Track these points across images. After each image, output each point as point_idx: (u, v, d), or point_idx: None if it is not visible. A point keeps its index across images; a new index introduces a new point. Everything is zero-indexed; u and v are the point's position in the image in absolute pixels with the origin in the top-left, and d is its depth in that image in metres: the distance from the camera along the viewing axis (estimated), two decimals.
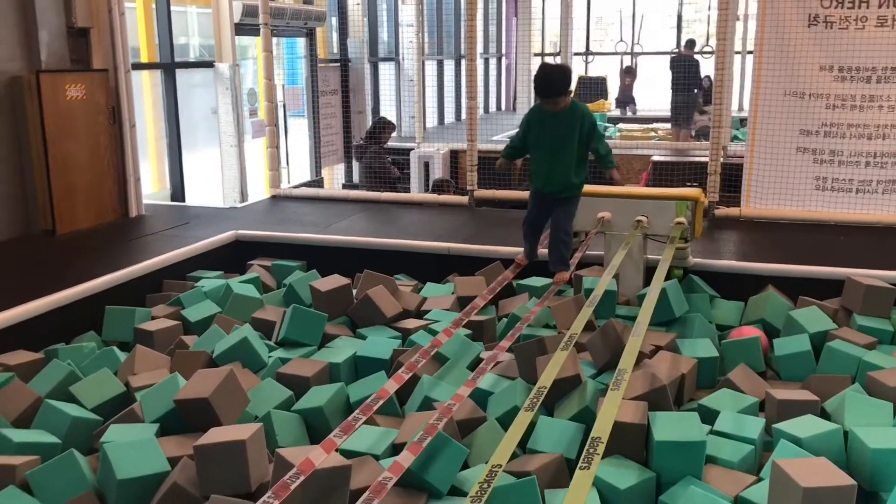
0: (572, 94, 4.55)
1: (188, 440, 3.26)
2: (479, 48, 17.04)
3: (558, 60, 12.20)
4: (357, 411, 3.11)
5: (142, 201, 7.08)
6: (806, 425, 3.37)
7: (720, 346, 4.41)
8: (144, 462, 3.09)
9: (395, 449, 3.34)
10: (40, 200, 6.25)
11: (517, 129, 4.81)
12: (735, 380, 3.99)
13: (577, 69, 17.26)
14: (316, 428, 3.70)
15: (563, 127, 4.50)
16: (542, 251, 5.03)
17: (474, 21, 7.18)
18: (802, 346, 4.28)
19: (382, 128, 8.81)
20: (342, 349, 4.33)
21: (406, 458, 2.80)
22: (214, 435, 3.02)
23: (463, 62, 15.02)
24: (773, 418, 3.59)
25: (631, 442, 3.17)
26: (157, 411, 3.52)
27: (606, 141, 4.74)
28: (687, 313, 4.72)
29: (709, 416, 3.58)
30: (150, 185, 8.30)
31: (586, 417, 3.41)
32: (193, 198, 8.43)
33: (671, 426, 3.16)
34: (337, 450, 3.19)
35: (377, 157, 8.60)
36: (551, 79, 4.44)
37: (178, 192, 8.28)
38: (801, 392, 3.75)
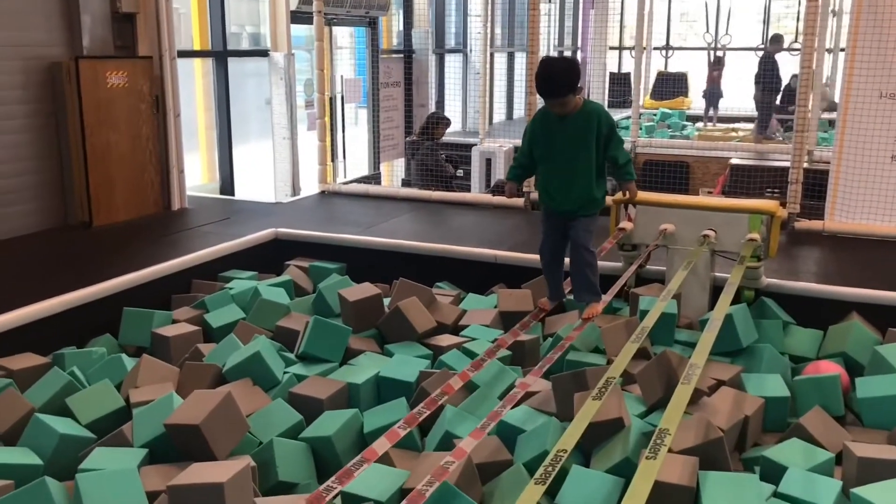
0: (582, 92, 3.95)
1: (176, 470, 2.91)
2: (554, 41, 16.49)
3: (633, 55, 11.54)
4: (360, 455, 2.71)
5: (185, 194, 6.85)
6: (892, 493, 2.83)
7: (793, 384, 3.86)
8: (120, 498, 2.76)
9: (403, 494, 2.93)
10: (77, 191, 6.06)
11: (520, 145, 4.12)
12: (808, 426, 3.44)
13: (657, 64, 16.55)
14: (324, 459, 3.34)
15: (574, 133, 3.83)
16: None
17: (537, 10, 6.68)
18: (890, 388, 3.67)
19: (436, 123, 8.38)
20: (365, 368, 3.94)
21: None
22: (193, 473, 2.67)
23: None
24: (851, 479, 3.06)
25: None
26: (147, 434, 3.20)
27: (626, 148, 4.10)
28: (756, 343, 4.17)
29: (774, 472, 3.06)
30: (200, 177, 8.10)
31: (627, 470, 2.93)
32: (244, 191, 8.19)
33: (725, 491, 2.67)
34: (338, 493, 2.82)
35: (431, 153, 8.20)
36: (555, 74, 3.76)
37: (227, 184, 8.05)
38: (887, 449, 3.18)
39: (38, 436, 3.29)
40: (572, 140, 3.86)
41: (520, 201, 6.94)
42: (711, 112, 14.46)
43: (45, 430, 3.28)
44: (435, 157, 8.19)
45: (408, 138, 9.46)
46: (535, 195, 6.78)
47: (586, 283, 4.09)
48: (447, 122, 8.48)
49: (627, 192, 4.12)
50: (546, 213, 4.15)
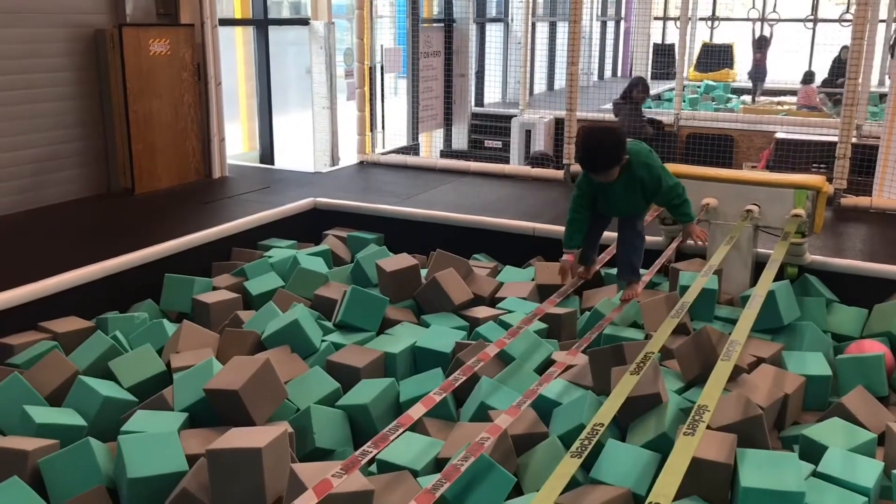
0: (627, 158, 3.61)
1: (215, 435, 2.96)
2: (597, 10, 16.22)
3: (678, 25, 11.29)
4: (396, 421, 2.73)
5: (226, 162, 6.90)
6: None
7: (835, 362, 3.80)
8: (160, 459, 2.82)
9: (439, 464, 2.95)
10: (120, 158, 6.14)
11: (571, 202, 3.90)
12: (850, 405, 3.38)
13: (702, 35, 16.22)
14: (360, 427, 3.37)
15: (622, 194, 3.74)
16: None
17: None
18: None
19: (633, 86, 8.67)
20: (402, 338, 3.96)
21: (439, 485, 2.40)
22: (232, 438, 2.71)
23: None
24: (894, 460, 3.01)
25: (712, 483, 2.66)
26: (187, 399, 3.25)
27: (682, 188, 3.84)
28: (798, 321, 4.10)
29: (813, 451, 3.02)
30: (241, 146, 8.14)
31: (664, 446, 2.90)
32: (283, 160, 8.23)
33: (763, 469, 2.63)
34: (371, 460, 2.85)
35: (632, 114, 8.38)
36: (595, 150, 3.56)
37: (266, 153, 8.08)
38: None
39: (82, 397, 3.36)
40: (621, 200, 3.79)
41: (559, 173, 6.89)
42: (758, 92, 14.11)
43: (89, 393, 3.35)
44: (635, 118, 8.41)
45: (615, 100, 9.55)
46: (575, 168, 6.73)
47: (629, 265, 4.04)
48: (645, 86, 8.79)
49: (689, 235, 3.92)
50: None
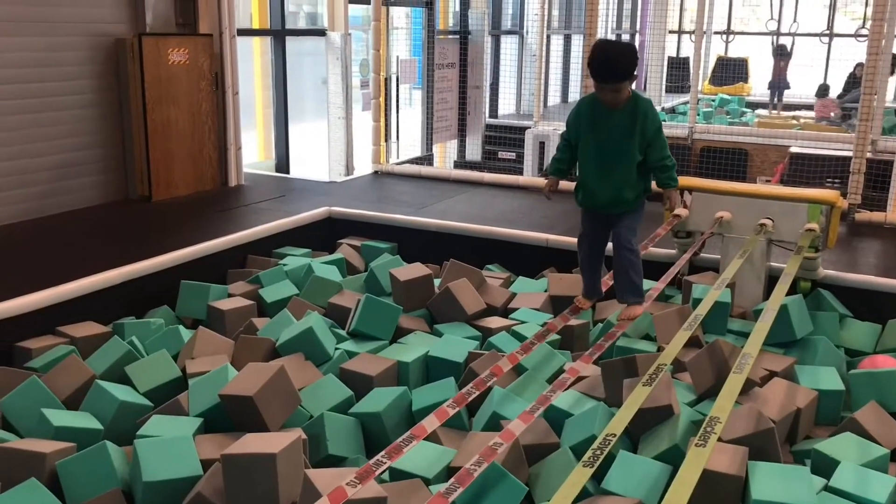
0: (636, 81, 3.56)
1: (229, 440, 3.00)
2: (612, 24, 16.27)
3: (693, 39, 11.32)
4: (409, 432, 2.75)
5: (242, 171, 6.96)
6: None
7: (847, 377, 3.79)
8: (175, 464, 2.85)
9: (451, 473, 2.96)
10: (138, 166, 6.20)
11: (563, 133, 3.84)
12: (862, 421, 3.37)
13: (717, 49, 16.23)
14: (373, 434, 3.39)
15: (618, 127, 3.58)
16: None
17: None
18: None
19: None
20: (414, 347, 3.98)
21: (452, 490, 2.42)
22: (246, 443, 2.74)
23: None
24: None
25: (723, 496, 2.67)
26: (203, 404, 3.28)
27: (671, 152, 3.71)
28: (811, 335, 4.10)
29: (825, 466, 3.02)
30: (257, 154, 8.21)
31: (675, 457, 2.91)
32: (299, 169, 8.28)
33: (774, 482, 2.64)
34: (387, 468, 2.87)
35: None
36: (614, 56, 3.47)
37: (282, 162, 8.14)
38: None
39: (98, 402, 3.40)
40: (616, 134, 3.62)
41: (572, 185, 6.89)
42: (776, 101, 14.09)
43: (106, 397, 3.39)
44: None
45: None
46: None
47: (629, 284, 3.84)
48: None
49: (668, 201, 3.82)
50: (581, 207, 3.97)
